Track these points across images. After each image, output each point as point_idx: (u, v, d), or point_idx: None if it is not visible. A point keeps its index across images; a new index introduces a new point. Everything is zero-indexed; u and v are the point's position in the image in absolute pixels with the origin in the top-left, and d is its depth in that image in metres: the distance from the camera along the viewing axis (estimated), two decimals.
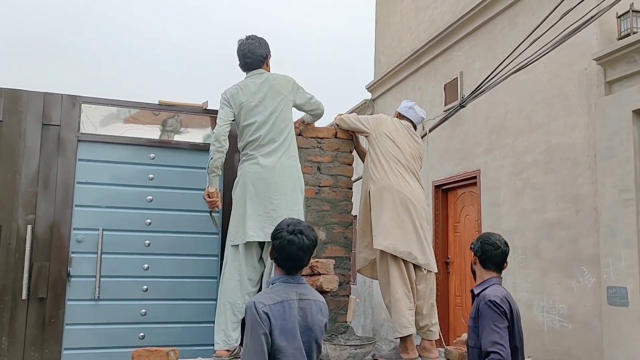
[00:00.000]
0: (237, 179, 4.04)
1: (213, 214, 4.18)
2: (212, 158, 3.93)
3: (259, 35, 4.16)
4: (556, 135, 5.95)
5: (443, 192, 8.37)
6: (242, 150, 4.04)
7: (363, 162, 4.46)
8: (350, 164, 4.48)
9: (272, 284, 2.65)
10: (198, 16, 55.87)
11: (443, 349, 4.12)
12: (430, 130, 5.62)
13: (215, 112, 4.63)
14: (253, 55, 4.01)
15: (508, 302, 3.11)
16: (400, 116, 4.47)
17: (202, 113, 4.64)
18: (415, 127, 4.47)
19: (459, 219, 8.07)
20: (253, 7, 59.01)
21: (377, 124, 4.31)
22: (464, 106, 5.52)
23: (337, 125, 4.48)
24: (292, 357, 2.48)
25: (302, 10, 59.08)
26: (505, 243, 3.34)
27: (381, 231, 4.04)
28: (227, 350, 3.69)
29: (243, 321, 3.82)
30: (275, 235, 2.64)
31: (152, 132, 4.55)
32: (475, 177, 7.41)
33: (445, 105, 8.12)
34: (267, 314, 2.45)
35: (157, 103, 4.58)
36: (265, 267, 3.91)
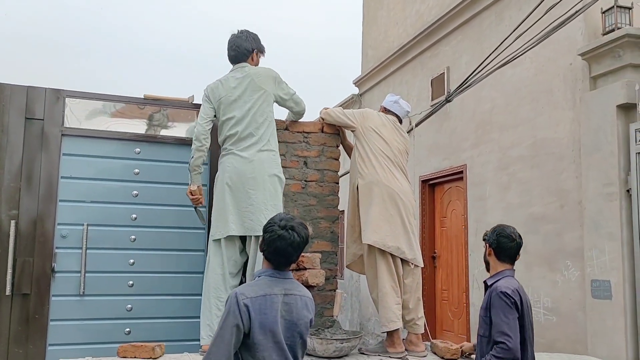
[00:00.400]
0: (217, 173, 4.03)
1: (199, 209, 4.16)
2: (192, 157, 3.93)
3: (252, 31, 4.15)
4: (541, 130, 5.99)
5: (430, 186, 8.40)
6: (222, 145, 4.02)
7: (350, 157, 4.46)
8: (337, 159, 4.48)
9: (258, 276, 2.65)
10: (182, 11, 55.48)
11: (429, 343, 4.14)
12: (416, 125, 5.64)
13: (200, 107, 4.62)
14: (238, 49, 4.00)
15: (519, 294, 3.19)
16: (385, 110, 4.46)
17: (188, 107, 4.61)
18: (400, 121, 4.47)
19: (445, 213, 8.11)
20: (237, 2, 58.74)
21: (363, 118, 4.30)
22: (450, 101, 5.54)
23: (323, 119, 4.46)
24: (270, 351, 2.47)
25: (287, 6, 58.90)
26: (519, 236, 3.40)
27: (370, 226, 4.05)
28: None
29: None
30: (266, 228, 2.63)
31: (137, 126, 4.52)
32: (461, 172, 7.44)
33: (432, 100, 8.14)
34: (247, 306, 2.44)
35: (143, 97, 4.55)
36: (248, 260, 3.90)
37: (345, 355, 3.70)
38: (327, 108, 4.50)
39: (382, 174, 4.13)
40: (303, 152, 4.36)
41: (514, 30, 4.74)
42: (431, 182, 8.31)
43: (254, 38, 4.09)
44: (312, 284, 3.62)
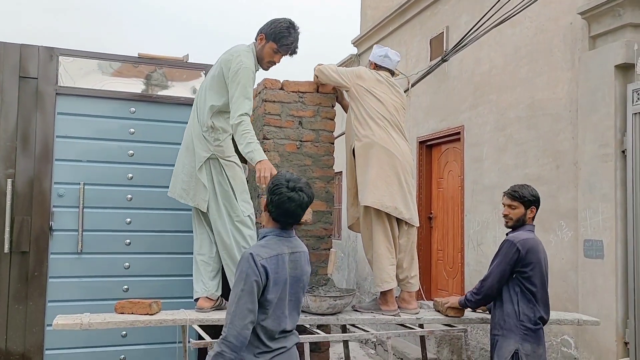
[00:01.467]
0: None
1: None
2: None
3: (279, 19, 3.84)
4: (540, 90, 5.95)
5: (427, 147, 8.40)
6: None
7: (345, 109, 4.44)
8: (332, 119, 4.47)
9: (264, 236, 2.70)
10: None
11: (424, 301, 4.22)
12: (412, 85, 5.59)
13: (195, 65, 4.59)
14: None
15: (528, 246, 3.60)
16: (376, 67, 4.39)
17: (182, 66, 4.58)
18: (393, 74, 4.41)
19: (442, 174, 8.13)
20: None
21: (356, 77, 4.23)
22: (445, 60, 5.50)
23: (316, 76, 4.40)
24: (277, 308, 2.57)
25: None
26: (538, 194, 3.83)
27: (367, 187, 4.07)
28: (208, 299, 3.75)
29: (222, 272, 3.88)
30: (273, 190, 2.65)
31: (132, 85, 4.51)
32: (459, 133, 7.43)
33: (430, 60, 8.05)
34: (265, 267, 2.51)
35: (137, 56, 4.52)
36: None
37: (339, 312, 3.77)
38: (321, 64, 4.41)
39: (379, 135, 4.11)
40: (298, 112, 4.35)
41: None
42: (428, 143, 8.30)
43: (269, 24, 3.79)
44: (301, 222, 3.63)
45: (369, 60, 4.47)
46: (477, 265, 6.90)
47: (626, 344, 4.81)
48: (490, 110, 6.75)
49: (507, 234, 3.82)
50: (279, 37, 3.74)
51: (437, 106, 7.95)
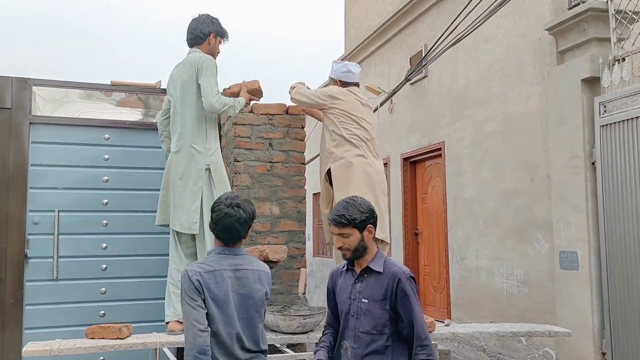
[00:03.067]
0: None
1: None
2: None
3: (213, 15, 4.04)
4: (512, 105, 6.05)
5: (411, 164, 8.47)
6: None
7: (320, 120, 4.47)
8: (302, 139, 4.54)
9: (209, 254, 2.81)
10: None
11: None
12: (381, 105, 5.67)
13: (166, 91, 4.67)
14: (194, 32, 3.91)
15: None
16: (342, 84, 4.33)
17: (155, 92, 4.67)
18: (358, 85, 4.39)
19: (426, 190, 8.19)
20: None
21: (330, 98, 4.21)
22: (409, 80, 5.57)
23: (295, 100, 4.31)
24: (223, 324, 2.64)
25: None
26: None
27: None
28: (179, 322, 3.78)
29: None
30: (213, 208, 2.77)
31: (105, 112, 4.59)
32: (440, 149, 7.51)
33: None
34: (199, 281, 2.61)
35: (110, 83, 4.61)
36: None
37: (310, 331, 3.81)
38: (295, 85, 4.34)
39: (356, 155, 4.11)
40: (268, 134, 4.42)
41: (475, 6, 4.76)
42: (412, 159, 8.38)
43: (213, 21, 3.96)
44: (273, 260, 3.71)
45: (331, 78, 4.40)
46: (461, 280, 6.94)
47: (604, 354, 4.84)
48: (468, 125, 6.84)
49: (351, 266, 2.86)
50: (224, 31, 4.05)
51: (419, 122, 8.04)
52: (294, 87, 4.36)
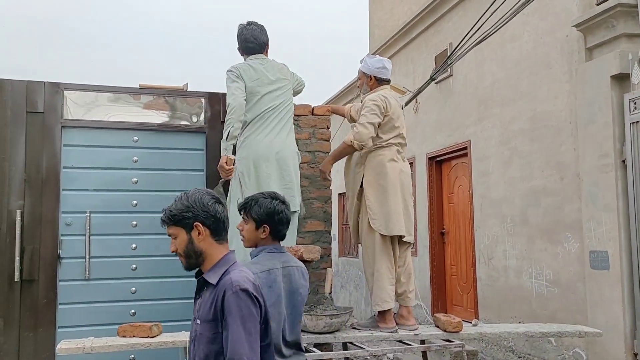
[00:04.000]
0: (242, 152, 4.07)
1: (221, 183, 4.08)
2: (232, 126, 3.89)
3: (259, 22, 4.24)
4: (540, 103, 5.98)
5: (437, 163, 8.43)
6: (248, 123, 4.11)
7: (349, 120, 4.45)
8: (328, 140, 4.56)
9: (256, 255, 2.79)
10: None
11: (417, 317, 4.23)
12: (406, 104, 5.65)
13: (194, 93, 4.74)
14: (256, 41, 4.13)
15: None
16: (377, 80, 4.20)
17: (182, 95, 4.73)
18: (389, 82, 4.34)
19: (452, 189, 8.14)
20: None
21: (385, 111, 4.08)
22: (434, 79, 5.53)
23: (364, 141, 4.01)
24: (276, 323, 2.63)
25: None
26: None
27: (391, 217, 4.01)
28: None
29: None
30: (265, 203, 2.74)
31: (134, 115, 4.66)
32: (466, 148, 7.46)
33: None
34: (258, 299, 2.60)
35: (138, 87, 4.68)
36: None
37: (337, 330, 3.82)
38: (356, 129, 4.01)
39: (391, 159, 4.09)
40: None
41: (501, 4, 4.72)
42: (438, 158, 8.34)
43: (265, 31, 4.22)
44: (307, 259, 3.75)
45: (365, 74, 4.25)
46: (489, 280, 6.88)
47: (635, 355, 4.76)
48: (494, 124, 6.78)
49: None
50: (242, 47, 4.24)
51: (444, 121, 8.00)
52: (354, 134, 4.04)
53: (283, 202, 2.79)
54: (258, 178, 3.94)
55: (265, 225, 2.75)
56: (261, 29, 4.19)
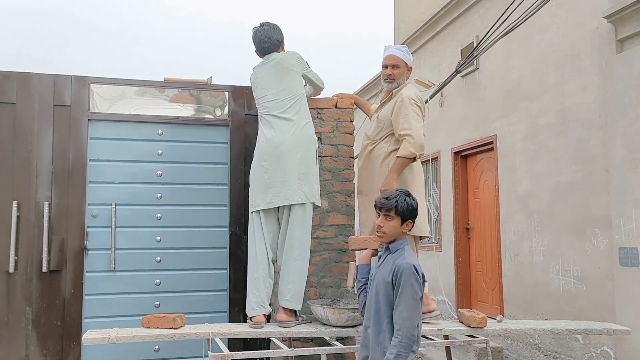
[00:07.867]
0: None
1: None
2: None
3: (271, 22, 4.24)
4: (569, 96, 5.86)
5: (462, 158, 8.34)
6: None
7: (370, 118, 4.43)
8: (351, 133, 4.53)
9: (403, 247, 3.04)
10: None
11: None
12: (431, 97, 5.58)
13: (218, 87, 4.75)
14: (270, 40, 4.13)
15: None
16: (410, 70, 4.20)
17: (206, 88, 4.75)
18: None
19: (478, 184, 8.05)
20: None
21: (423, 112, 4.11)
22: (459, 71, 5.45)
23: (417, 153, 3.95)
24: None
25: None
26: None
27: (422, 216, 3.96)
28: (265, 315, 3.86)
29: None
30: (407, 199, 3.03)
31: (159, 109, 4.70)
32: (492, 143, 7.36)
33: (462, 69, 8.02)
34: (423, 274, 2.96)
35: (163, 80, 4.72)
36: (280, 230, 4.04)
37: (359, 324, 3.80)
38: (411, 141, 3.88)
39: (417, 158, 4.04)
40: (317, 128, 4.42)
41: None
42: (463, 153, 8.25)
43: (280, 29, 4.21)
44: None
45: (406, 64, 4.15)
46: (515, 276, 6.79)
47: None
48: (521, 118, 6.67)
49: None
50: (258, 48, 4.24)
51: (470, 115, 7.90)
52: (413, 146, 3.93)
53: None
54: (256, 171, 4.06)
55: (409, 221, 3.06)
56: (274, 27, 4.20)
